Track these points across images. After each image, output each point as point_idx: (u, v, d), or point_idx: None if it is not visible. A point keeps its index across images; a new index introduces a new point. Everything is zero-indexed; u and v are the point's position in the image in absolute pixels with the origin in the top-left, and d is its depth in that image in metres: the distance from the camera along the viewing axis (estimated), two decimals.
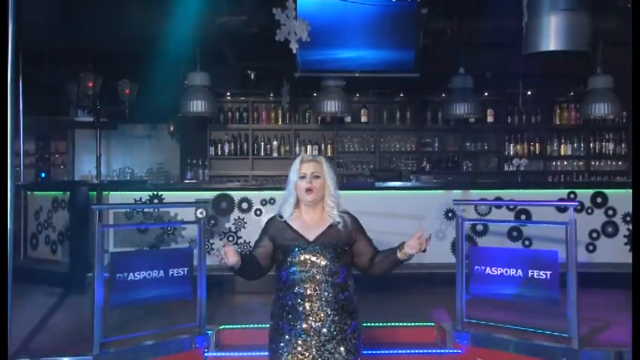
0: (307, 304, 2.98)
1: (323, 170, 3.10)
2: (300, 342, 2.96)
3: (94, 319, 4.50)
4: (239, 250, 3.05)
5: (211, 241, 7.34)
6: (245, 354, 5.04)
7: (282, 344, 2.99)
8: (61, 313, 5.84)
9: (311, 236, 3.05)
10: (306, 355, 2.95)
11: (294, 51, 4.74)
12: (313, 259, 3.00)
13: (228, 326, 5.37)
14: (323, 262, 3.00)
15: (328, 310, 2.98)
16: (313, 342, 2.95)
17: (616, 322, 5.29)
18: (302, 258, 3.01)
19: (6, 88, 3.84)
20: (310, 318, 2.97)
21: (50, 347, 4.73)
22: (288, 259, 3.02)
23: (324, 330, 2.96)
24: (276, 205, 7.41)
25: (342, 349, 2.97)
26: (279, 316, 3.04)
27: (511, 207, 7.61)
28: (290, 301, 3.01)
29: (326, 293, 2.98)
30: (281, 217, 3.14)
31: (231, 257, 2.91)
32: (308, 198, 3.07)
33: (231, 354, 5.12)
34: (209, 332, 5.13)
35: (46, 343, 4.85)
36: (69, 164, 11.26)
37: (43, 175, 11.68)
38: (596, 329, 5.13)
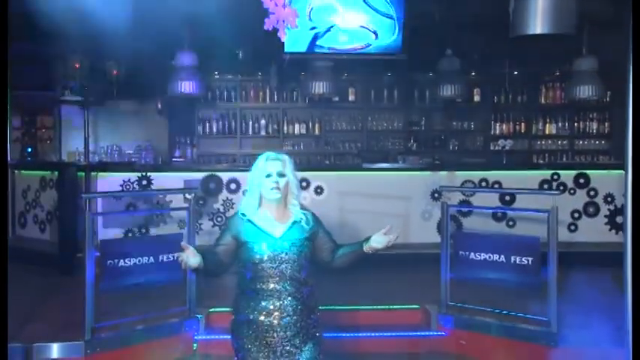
0: (274, 300, 3.02)
1: (287, 168, 3.12)
2: (267, 337, 3.01)
3: (86, 305, 4.57)
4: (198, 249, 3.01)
5: (200, 221, 7.42)
6: None
7: (248, 340, 3.03)
8: (51, 296, 5.90)
9: (277, 233, 3.08)
10: (274, 350, 3.00)
11: (283, 40, 4.70)
12: (282, 255, 3.04)
13: (217, 309, 5.46)
14: (292, 258, 3.04)
15: (294, 304, 3.03)
16: (280, 336, 3.00)
17: (595, 302, 5.41)
18: (271, 254, 3.03)
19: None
20: (277, 313, 3.01)
21: (41, 332, 4.80)
22: (257, 256, 3.03)
23: (291, 325, 3.01)
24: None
25: (308, 342, 3.04)
26: (245, 312, 3.06)
27: (495, 187, 7.75)
28: (256, 297, 3.03)
29: (292, 288, 3.03)
30: (244, 214, 3.14)
31: (192, 259, 2.89)
32: (274, 196, 3.08)
33: (221, 337, 5.19)
34: (199, 316, 5.23)
35: (37, 327, 4.92)
36: (56, 140, 11.18)
37: (30, 150, 11.57)
38: (576, 311, 5.26)
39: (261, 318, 3.02)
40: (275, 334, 3.00)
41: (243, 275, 3.11)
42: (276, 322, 3.01)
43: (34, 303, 5.55)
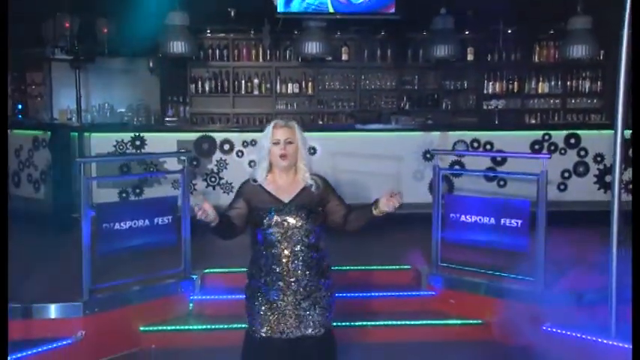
0: (283, 264, 3.09)
1: (295, 136, 3.16)
2: (277, 301, 3.09)
3: (83, 268, 4.66)
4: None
5: (194, 182, 7.48)
6: (229, 297, 5.22)
7: (259, 303, 3.11)
8: (47, 256, 5.98)
9: (286, 198, 3.14)
10: (283, 312, 3.08)
11: (275, 3, 4.69)
12: (289, 220, 3.10)
13: (212, 270, 5.58)
14: (299, 223, 3.10)
15: (303, 269, 3.10)
16: (289, 300, 3.08)
17: (582, 261, 5.54)
18: (279, 219, 3.09)
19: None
20: (286, 277, 3.09)
21: (39, 293, 4.91)
22: (265, 221, 3.10)
23: (300, 289, 3.09)
24: (258, 146, 7.57)
25: (316, 306, 3.11)
26: (256, 275, 3.15)
27: (487, 148, 7.82)
28: (266, 262, 3.12)
29: (301, 253, 3.10)
30: (255, 180, 3.20)
31: (212, 213, 2.92)
32: (283, 164, 3.14)
33: (216, 297, 5.33)
34: (194, 276, 5.34)
35: (34, 288, 5.02)
36: (46, 97, 11.09)
37: (20, 106, 11.48)
38: (562, 270, 5.39)
39: (271, 281, 3.10)
40: (284, 298, 3.08)
41: (255, 240, 3.19)
42: (284, 285, 3.09)
43: (30, 263, 5.61)
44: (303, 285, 3.10)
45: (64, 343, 4.59)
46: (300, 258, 3.10)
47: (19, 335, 4.57)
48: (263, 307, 3.10)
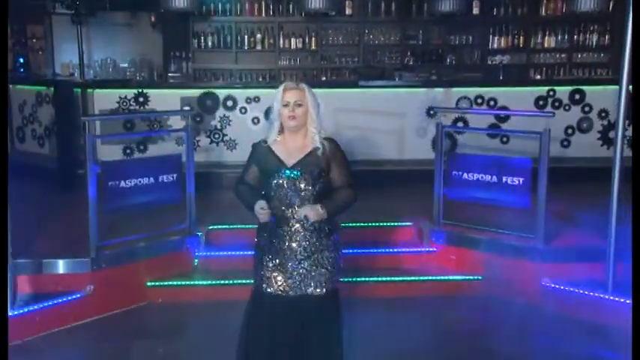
0: (285, 226, 3.15)
1: (305, 98, 3.17)
2: (277, 261, 3.16)
3: (90, 225, 4.73)
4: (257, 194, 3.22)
5: (197, 138, 7.49)
6: (233, 253, 5.34)
7: (263, 261, 3.19)
8: (54, 213, 6.04)
9: (291, 161, 3.17)
10: (285, 271, 3.15)
11: None
12: (290, 183, 3.13)
13: (216, 226, 5.66)
14: (300, 186, 3.13)
15: (304, 231, 3.15)
16: (290, 261, 3.15)
17: (582, 216, 5.58)
18: (280, 182, 3.13)
19: None
20: (287, 238, 3.15)
21: (48, 248, 5.00)
22: (269, 183, 3.16)
23: (300, 249, 3.15)
24: (261, 103, 7.59)
25: (318, 266, 3.16)
26: (262, 234, 3.24)
27: (491, 104, 7.80)
28: (270, 223, 3.17)
29: (300, 216, 3.12)
30: (265, 142, 3.25)
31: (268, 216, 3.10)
32: (291, 124, 3.16)
33: (221, 253, 5.43)
34: (199, 233, 5.42)
35: (43, 243, 5.11)
36: (48, 51, 11.01)
37: (22, 60, 11.41)
38: (563, 226, 5.46)
39: (273, 242, 3.17)
40: (285, 257, 3.15)
41: (265, 200, 3.22)
42: (285, 246, 3.16)
43: (38, 219, 5.68)
44: (304, 246, 3.15)
45: (74, 297, 4.70)
46: (299, 220, 3.14)
47: (30, 289, 4.71)
48: (266, 266, 3.17)
